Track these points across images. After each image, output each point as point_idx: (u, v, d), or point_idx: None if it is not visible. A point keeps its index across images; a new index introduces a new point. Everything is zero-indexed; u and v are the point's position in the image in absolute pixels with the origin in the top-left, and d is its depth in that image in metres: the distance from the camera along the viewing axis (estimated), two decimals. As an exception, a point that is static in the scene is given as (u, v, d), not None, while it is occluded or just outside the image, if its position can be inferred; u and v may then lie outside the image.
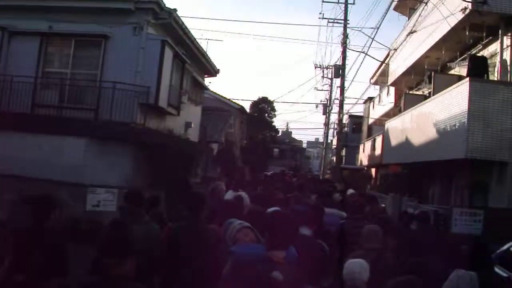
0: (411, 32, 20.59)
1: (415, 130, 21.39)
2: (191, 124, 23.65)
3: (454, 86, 16.69)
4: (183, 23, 19.50)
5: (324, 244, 6.70)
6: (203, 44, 31.49)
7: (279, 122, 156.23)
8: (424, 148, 19.68)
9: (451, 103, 16.59)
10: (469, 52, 18.61)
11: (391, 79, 29.88)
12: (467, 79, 15.26)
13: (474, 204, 15.71)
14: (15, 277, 5.30)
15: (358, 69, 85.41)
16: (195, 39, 21.86)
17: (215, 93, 38.25)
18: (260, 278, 4.69)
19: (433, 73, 21.39)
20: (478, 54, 18.04)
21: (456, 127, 15.81)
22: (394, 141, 25.51)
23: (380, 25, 23.19)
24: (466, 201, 16.86)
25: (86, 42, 17.98)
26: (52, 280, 5.30)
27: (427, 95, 23.66)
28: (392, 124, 26.73)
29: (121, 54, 17.30)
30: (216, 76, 28.85)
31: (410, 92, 27.24)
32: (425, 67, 22.54)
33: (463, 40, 18.27)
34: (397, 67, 27.55)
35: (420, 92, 25.76)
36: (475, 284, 4.92)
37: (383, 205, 17.99)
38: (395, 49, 23.19)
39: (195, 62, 23.88)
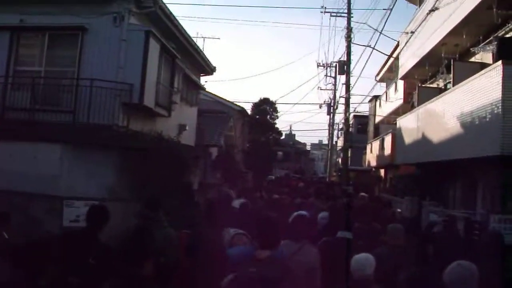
0: (432, 10, 18.41)
1: (432, 126, 19.32)
2: (186, 127, 21.58)
3: (482, 72, 14.48)
4: (171, 13, 17.40)
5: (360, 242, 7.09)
6: (199, 43, 29.77)
7: (281, 124, 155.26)
8: (443, 146, 17.62)
9: (478, 93, 14.43)
10: (495, 35, 16.45)
11: (401, 72, 27.92)
12: (499, 62, 13.04)
13: (507, 208, 13.70)
14: (70, 279, 5.63)
15: (365, 65, 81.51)
16: (186, 31, 19.72)
17: (213, 94, 36.46)
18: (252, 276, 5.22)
19: (452, 61, 19.30)
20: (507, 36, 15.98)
21: (487, 119, 13.67)
22: (407, 139, 23.50)
23: (390, 12, 20.85)
24: (497, 204, 14.73)
25: (61, 36, 16.02)
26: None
27: (443, 87, 21.71)
28: (404, 121, 24.77)
29: (100, 48, 15.41)
30: (212, 74, 26.79)
31: (424, 85, 25.18)
32: (442, 55, 20.41)
33: (487, 21, 16.25)
34: (408, 59, 25.56)
35: (434, 85, 23.74)
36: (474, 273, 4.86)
37: (399, 210, 16.56)
38: (412, 32, 20.94)
39: (188, 58, 21.88)
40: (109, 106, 14.53)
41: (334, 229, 7.25)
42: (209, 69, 25.74)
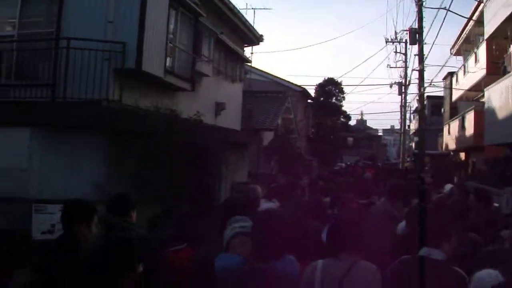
0: None
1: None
2: (224, 105, 17.64)
3: None
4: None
5: (461, 271, 4.58)
6: (249, 16, 26.07)
7: (349, 105, 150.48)
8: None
9: None
10: None
11: (487, 31, 23.15)
12: None
13: None
14: None
15: (438, 31, 73.15)
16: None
17: (268, 73, 33.71)
18: None
19: None
20: None
21: None
22: (500, 114, 18.88)
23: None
24: None
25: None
26: None
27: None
28: (494, 91, 20.15)
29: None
30: (258, 44, 22.80)
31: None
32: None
33: None
34: (497, 12, 20.65)
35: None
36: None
37: (496, 204, 12.28)
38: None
39: (225, 23, 18.13)
40: (94, 74, 10.72)
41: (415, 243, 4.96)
42: (254, 38, 21.74)
